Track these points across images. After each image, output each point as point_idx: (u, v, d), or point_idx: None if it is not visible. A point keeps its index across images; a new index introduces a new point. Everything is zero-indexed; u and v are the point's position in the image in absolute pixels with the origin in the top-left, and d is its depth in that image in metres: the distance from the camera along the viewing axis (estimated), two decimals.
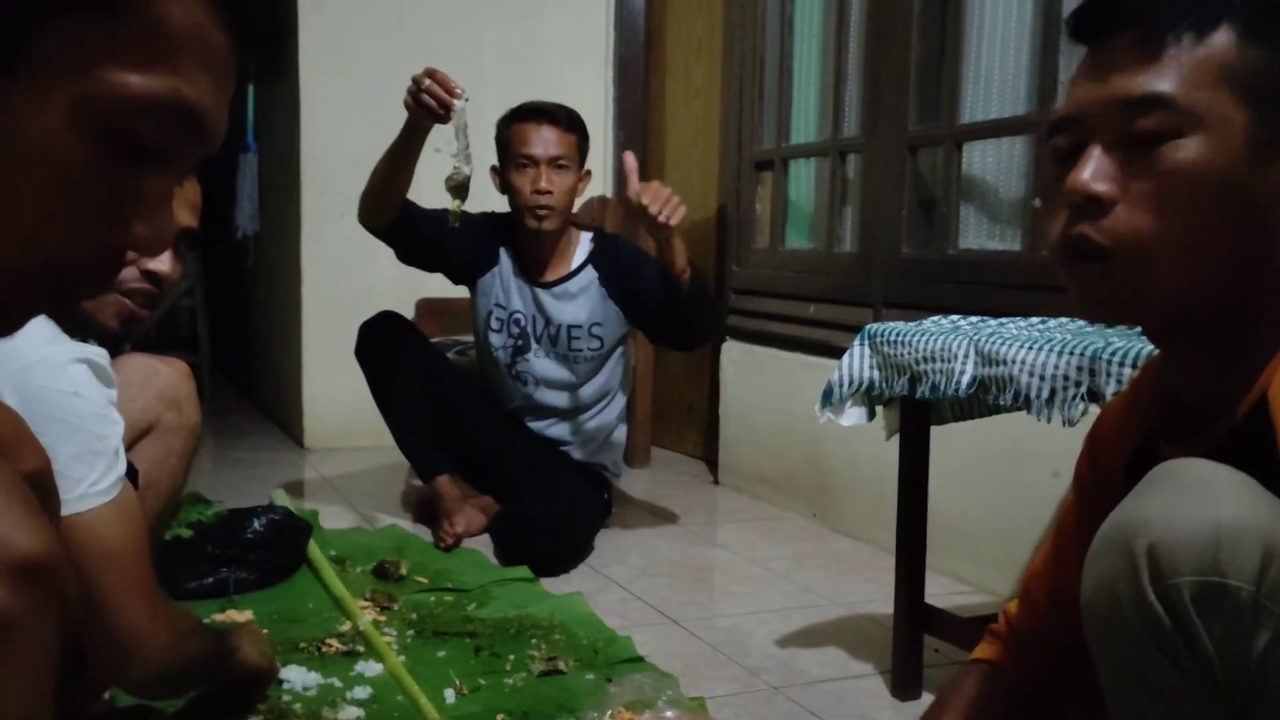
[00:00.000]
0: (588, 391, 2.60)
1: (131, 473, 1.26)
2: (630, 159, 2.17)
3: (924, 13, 2.52)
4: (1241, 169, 0.77)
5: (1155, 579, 0.73)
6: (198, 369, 4.93)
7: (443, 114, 2.12)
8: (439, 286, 3.23)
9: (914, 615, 1.68)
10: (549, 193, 2.42)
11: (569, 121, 2.48)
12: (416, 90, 2.13)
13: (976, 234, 2.46)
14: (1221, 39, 0.78)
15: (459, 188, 2.16)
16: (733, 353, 3.19)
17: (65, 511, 1.08)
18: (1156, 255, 0.79)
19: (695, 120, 3.59)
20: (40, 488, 0.80)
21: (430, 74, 2.13)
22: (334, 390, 3.48)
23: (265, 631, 1.58)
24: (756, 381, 3.08)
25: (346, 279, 3.52)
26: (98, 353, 1.16)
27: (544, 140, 2.43)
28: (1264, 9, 0.78)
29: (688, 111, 3.64)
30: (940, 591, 2.16)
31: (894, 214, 2.59)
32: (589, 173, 2.52)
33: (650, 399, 3.46)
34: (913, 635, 1.68)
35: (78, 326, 1.25)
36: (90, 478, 1.11)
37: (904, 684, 1.69)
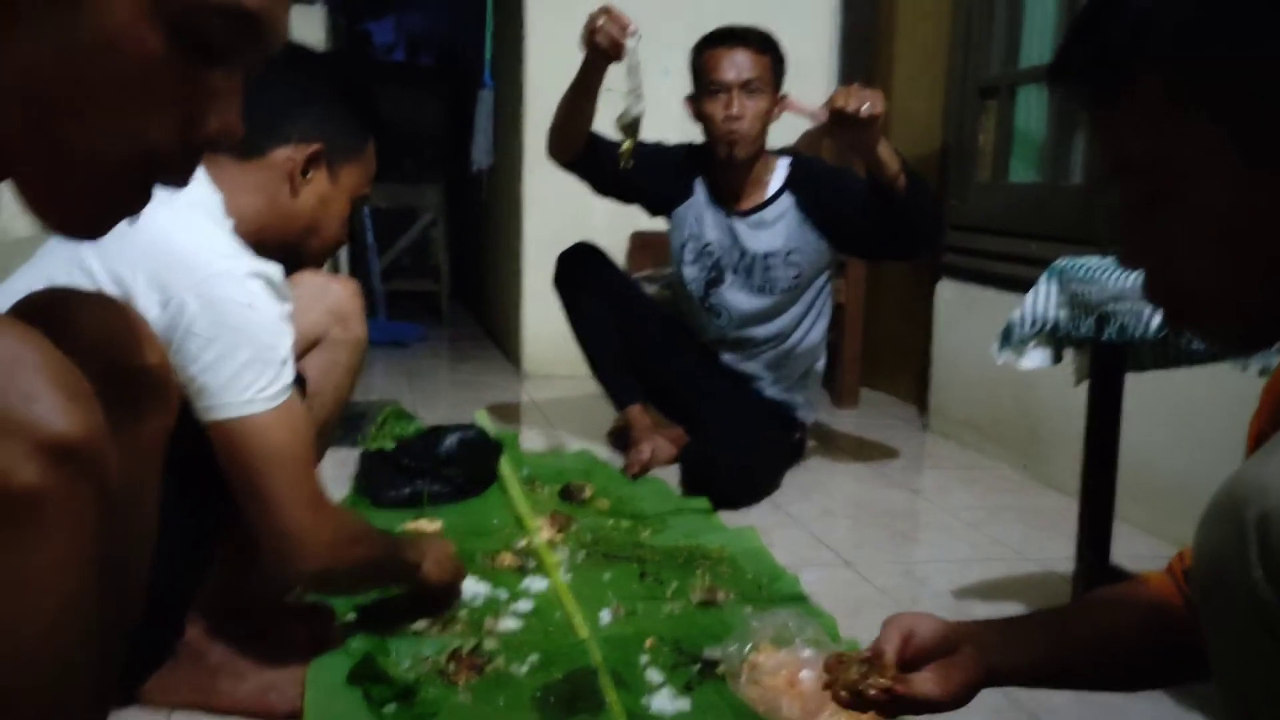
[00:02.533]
0: (783, 324, 2.54)
1: (300, 381, 1.35)
2: (791, 99, 2.10)
3: None
4: (1243, 179, 0.69)
5: (1265, 555, 0.63)
6: (438, 297, 5.24)
7: (615, 52, 2.11)
8: (652, 221, 3.25)
9: (1096, 576, 1.56)
10: (740, 118, 2.36)
11: (762, 43, 2.40)
12: (591, 28, 2.12)
13: None
14: (1151, 79, 0.70)
15: (630, 126, 2.14)
16: (947, 292, 3.04)
17: (234, 414, 1.17)
18: (1206, 299, 0.74)
19: (923, 47, 3.40)
20: (154, 381, 0.87)
21: (605, 11, 2.12)
22: (551, 319, 3.56)
23: (453, 545, 1.65)
24: (971, 323, 2.92)
25: (565, 211, 3.60)
26: (273, 269, 1.23)
27: (735, 64, 2.37)
28: (1172, 27, 0.70)
29: (915, 38, 3.45)
30: (1148, 553, 1.99)
31: None
32: (785, 97, 2.43)
33: (860, 339, 3.35)
34: None
35: (288, 261, 1.34)
36: (259, 384, 1.18)
37: None
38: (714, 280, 2.53)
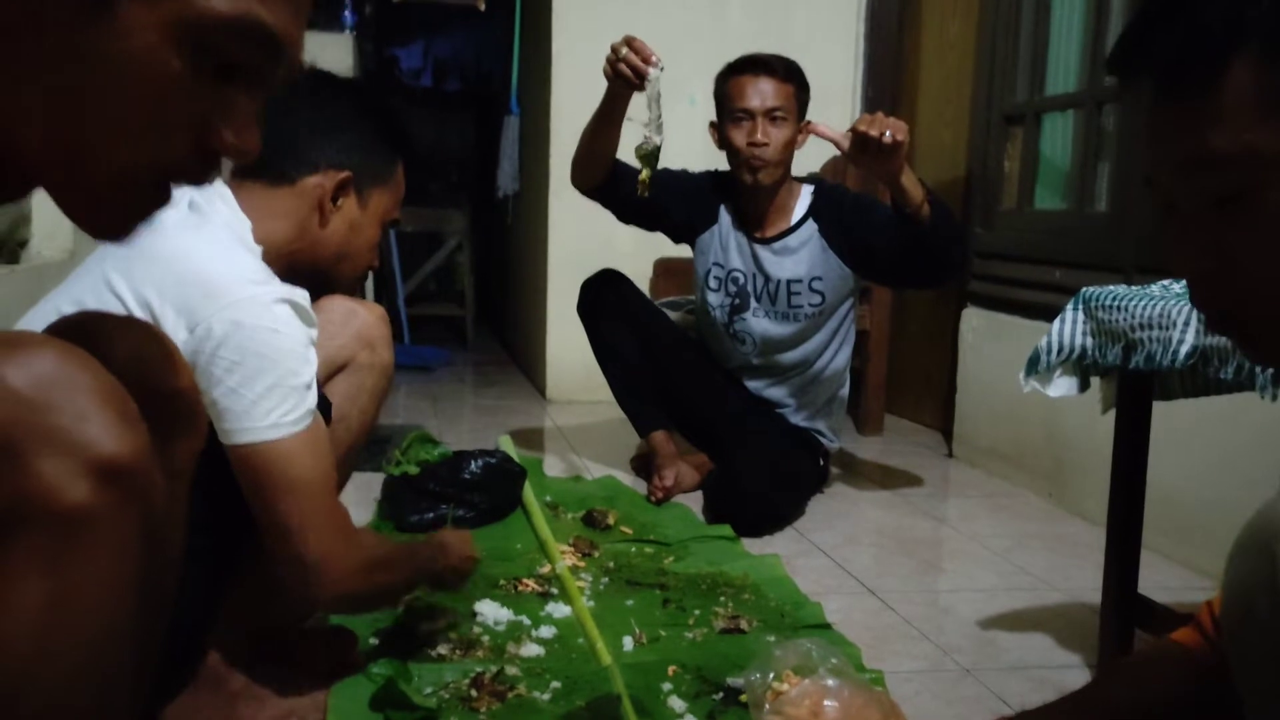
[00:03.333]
0: (807, 351, 2.53)
1: (325, 406, 1.36)
2: (817, 125, 2.11)
3: None
4: None
5: None
6: (463, 321, 5.26)
7: (637, 82, 2.12)
8: (676, 247, 3.26)
9: (1124, 606, 1.54)
10: (765, 145, 2.37)
11: (786, 71, 2.41)
12: (614, 58, 2.13)
13: None
14: (1244, 67, 0.64)
15: (648, 156, 2.15)
16: (973, 319, 3.03)
17: (257, 439, 1.18)
18: (1269, 309, 0.68)
19: (948, 75, 3.41)
20: (182, 406, 0.88)
21: (628, 42, 2.13)
22: (575, 344, 3.58)
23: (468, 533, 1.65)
24: (996, 350, 2.90)
25: (589, 237, 3.61)
26: (299, 294, 1.24)
27: (760, 92, 2.38)
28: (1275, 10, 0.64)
29: (941, 66, 3.46)
30: (1177, 584, 1.97)
31: None
32: (809, 124, 2.44)
33: (885, 365, 3.34)
34: (1122, 628, 1.54)
35: (317, 286, 1.35)
36: (282, 409, 1.19)
37: None
38: (738, 307, 2.53)
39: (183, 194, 1.32)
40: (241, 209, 1.31)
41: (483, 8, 4.70)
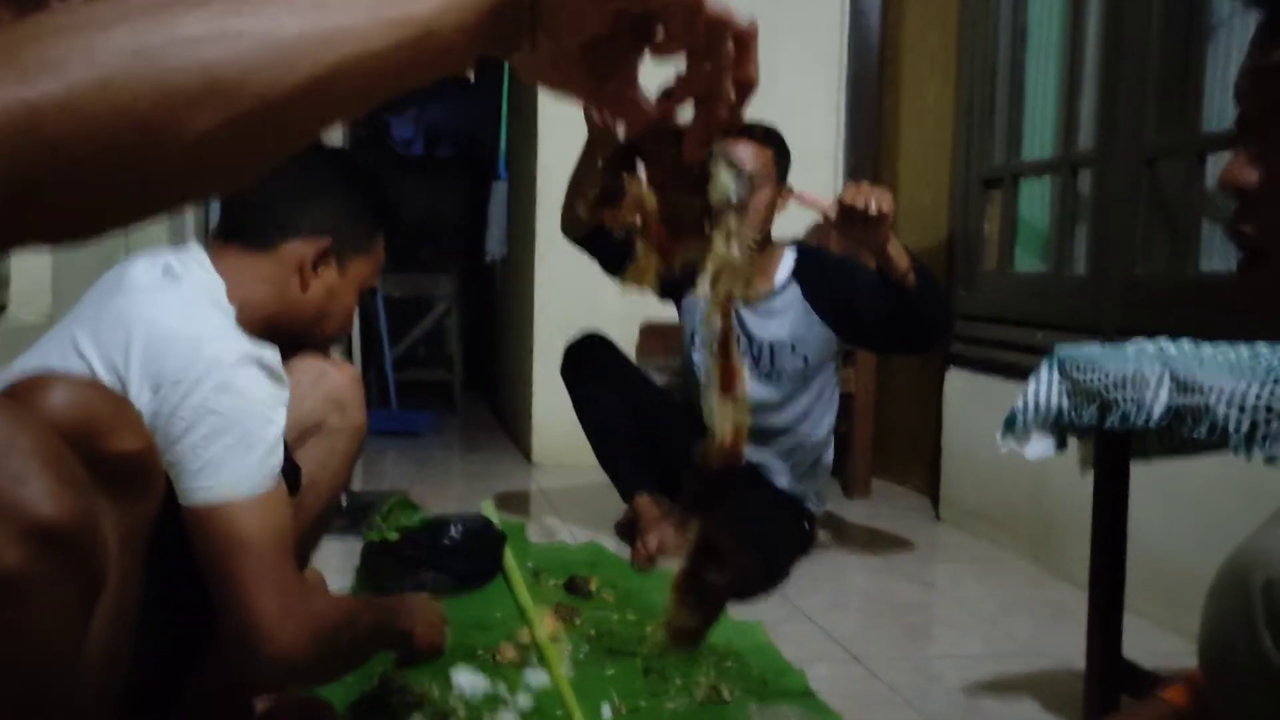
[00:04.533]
0: (791, 414, 2.53)
1: (295, 471, 1.34)
2: (802, 193, 2.12)
3: (1164, 13, 2.30)
4: None
5: (1272, 621, 0.62)
6: (450, 386, 5.25)
7: (614, 130, 2.14)
8: (662, 310, 3.27)
9: (1108, 671, 1.51)
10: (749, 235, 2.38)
11: (764, 136, 2.43)
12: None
13: (1222, 254, 2.21)
14: None
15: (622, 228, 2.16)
16: (956, 381, 3.03)
17: (209, 500, 1.15)
18: None
19: (927, 139, 3.45)
20: (135, 467, 0.87)
21: None
22: (561, 408, 3.56)
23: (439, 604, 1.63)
24: (981, 412, 2.90)
25: (576, 300, 3.62)
26: (269, 353, 1.23)
27: (739, 157, 2.40)
28: None
29: (920, 130, 3.51)
30: (1163, 650, 1.94)
31: (1130, 232, 2.37)
32: (789, 189, 2.46)
33: (870, 429, 3.33)
34: (1106, 693, 1.52)
35: (288, 346, 1.35)
36: (239, 469, 1.16)
37: None
38: None
39: (158, 257, 1.33)
40: (219, 271, 1.31)
41: (471, 76, 4.77)
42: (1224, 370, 1.23)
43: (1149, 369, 1.34)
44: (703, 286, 0.65)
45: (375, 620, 1.43)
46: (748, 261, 0.65)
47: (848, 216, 2.03)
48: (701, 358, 2.56)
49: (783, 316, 2.48)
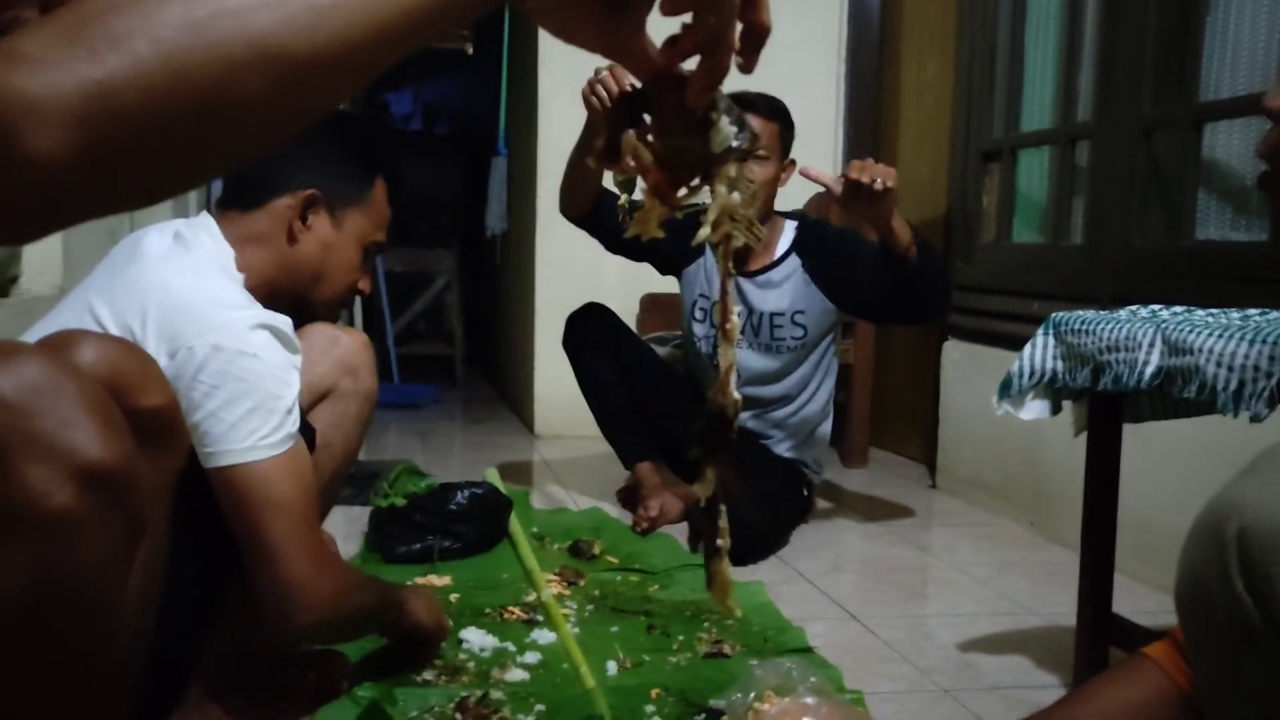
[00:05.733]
0: (790, 383, 2.57)
1: (309, 433, 1.38)
2: (808, 168, 2.14)
3: None
4: None
5: (1245, 566, 0.66)
6: (452, 360, 5.29)
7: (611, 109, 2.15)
8: (663, 282, 3.30)
9: (1098, 626, 1.56)
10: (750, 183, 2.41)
11: (770, 110, 2.46)
12: (592, 83, 2.17)
13: (1218, 223, 2.24)
14: None
15: (626, 182, 2.18)
16: (954, 352, 3.07)
17: (236, 461, 1.19)
18: None
19: (926, 114, 3.48)
20: (161, 422, 0.90)
21: (610, 68, 2.18)
22: (562, 380, 3.61)
23: (434, 594, 1.67)
24: (977, 382, 2.94)
25: (576, 274, 3.66)
26: (281, 320, 1.27)
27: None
28: None
29: (919, 105, 3.53)
30: (1154, 608, 1.99)
31: (1126, 202, 2.41)
32: (793, 162, 2.49)
33: (869, 399, 3.37)
34: (1096, 647, 1.56)
35: (299, 313, 1.38)
36: (261, 431, 1.20)
37: None
38: None
39: (169, 226, 1.36)
40: (225, 238, 1.34)
41: (470, 51, 4.77)
42: (1214, 333, 1.27)
43: (1141, 332, 1.38)
44: (704, 232, 0.67)
45: (381, 591, 1.48)
46: (749, 207, 0.68)
47: (853, 191, 2.07)
48: (703, 329, 2.59)
49: (782, 288, 2.52)
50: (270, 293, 1.33)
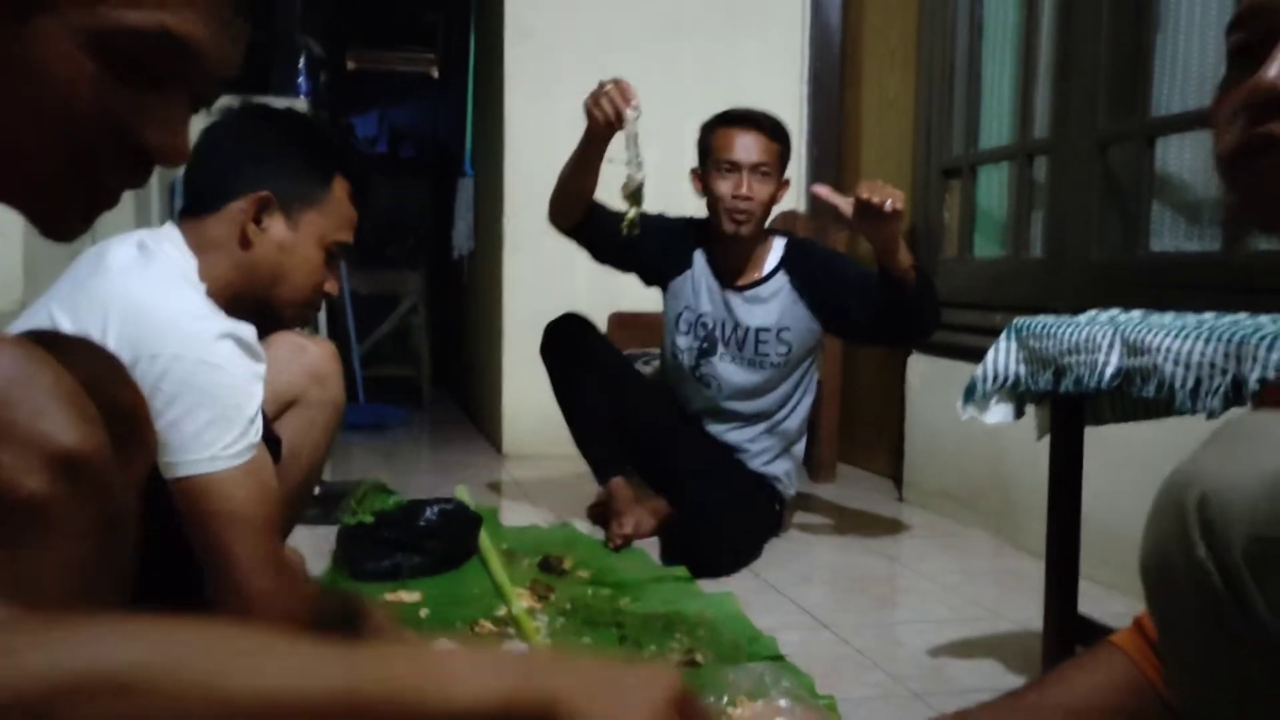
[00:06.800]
0: (772, 399, 2.59)
1: (275, 443, 1.37)
2: (820, 189, 2.18)
3: (1115, 6, 2.38)
4: None
5: (1206, 529, 0.68)
6: (418, 382, 5.27)
7: (615, 121, 2.18)
8: (633, 301, 3.32)
9: (1064, 627, 1.58)
10: (750, 199, 2.45)
11: (773, 130, 2.50)
12: (596, 95, 2.19)
13: (1172, 234, 2.30)
14: None
15: (634, 194, 2.21)
16: (919, 366, 3.11)
17: (196, 471, 1.19)
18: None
19: (889, 132, 3.53)
20: (129, 421, 0.90)
21: (615, 81, 2.20)
22: (532, 401, 3.62)
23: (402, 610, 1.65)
24: (942, 395, 2.96)
25: (546, 293, 3.66)
26: (245, 329, 1.26)
27: (748, 147, 2.46)
28: None
29: (881, 124, 3.59)
30: (1122, 610, 2.02)
31: (1084, 216, 2.45)
32: (787, 182, 2.53)
33: (837, 414, 3.40)
34: (1064, 647, 1.59)
35: (265, 321, 1.37)
36: (223, 441, 1.20)
37: None
38: (706, 350, 2.58)
39: (132, 236, 1.36)
40: (188, 247, 1.34)
41: (436, 74, 4.80)
42: (1172, 333, 1.30)
43: (1101, 334, 1.41)
44: None
45: (342, 600, 1.46)
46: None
47: (864, 212, 2.10)
48: (686, 340, 2.60)
49: (769, 304, 2.54)
50: (232, 298, 1.32)
